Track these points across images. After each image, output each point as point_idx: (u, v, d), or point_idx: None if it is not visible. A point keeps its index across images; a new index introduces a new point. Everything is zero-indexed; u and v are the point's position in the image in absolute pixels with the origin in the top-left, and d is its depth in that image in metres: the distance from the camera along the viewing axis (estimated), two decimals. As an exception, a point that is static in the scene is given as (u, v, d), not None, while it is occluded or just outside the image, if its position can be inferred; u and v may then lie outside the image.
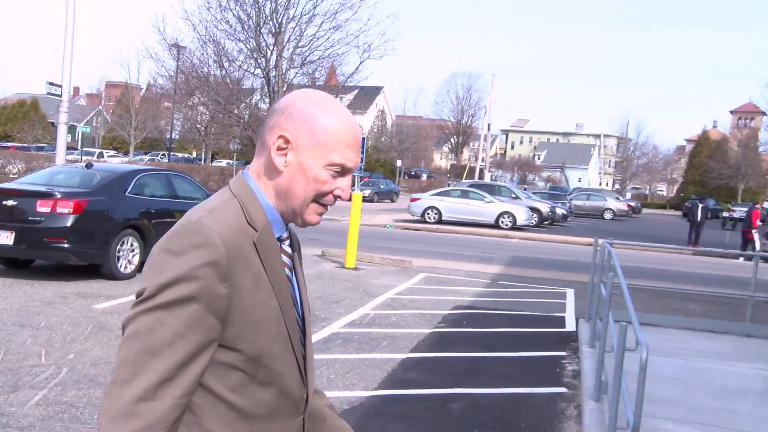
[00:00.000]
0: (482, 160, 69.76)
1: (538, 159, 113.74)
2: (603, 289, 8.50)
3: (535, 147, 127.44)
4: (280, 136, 1.78)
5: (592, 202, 55.80)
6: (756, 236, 28.22)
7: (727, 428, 6.94)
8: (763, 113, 54.61)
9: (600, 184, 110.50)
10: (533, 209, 36.08)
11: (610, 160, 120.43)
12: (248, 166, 1.91)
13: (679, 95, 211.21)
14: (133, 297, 1.70)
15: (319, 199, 1.82)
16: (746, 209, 40.28)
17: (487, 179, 62.43)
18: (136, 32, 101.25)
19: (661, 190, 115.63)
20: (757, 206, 33.74)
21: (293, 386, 1.84)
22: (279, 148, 1.78)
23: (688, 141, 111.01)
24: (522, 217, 33.16)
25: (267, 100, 18.77)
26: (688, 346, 10.02)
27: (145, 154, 68.31)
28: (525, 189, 53.87)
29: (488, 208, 33.19)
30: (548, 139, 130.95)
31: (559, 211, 41.12)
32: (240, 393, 1.72)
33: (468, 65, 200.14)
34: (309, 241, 21.01)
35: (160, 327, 1.60)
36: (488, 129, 70.90)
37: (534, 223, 35.39)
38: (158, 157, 61.72)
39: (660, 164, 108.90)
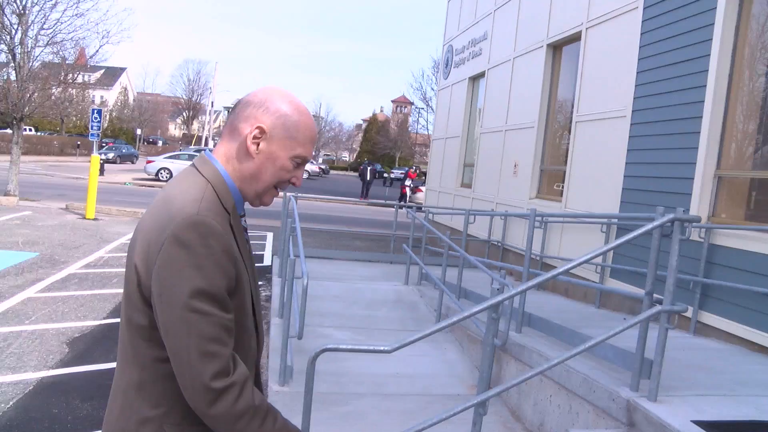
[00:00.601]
0: (208, 131, 68.23)
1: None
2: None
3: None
4: (258, 127, 1.63)
5: (293, 165, 56.49)
6: (408, 191, 30.23)
7: (370, 328, 7.48)
8: (411, 103, 59.30)
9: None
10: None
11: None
12: (212, 148, 1.74)
13: (358, 86, 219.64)
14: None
15: (278, 185, 1.71)
16: (403, 172, 42.85)
17: (210, 146, 60.89)
18: None
19: (345, 157, 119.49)
20: (410, 170, 36.25)
21: (253, 343, 1.72)
22: (255, 137, 1.63)
23: (364, 120, 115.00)
24: (236, 176, 32.96)
25: (14, 73, 16.95)
26: (352, 273, 10.53)
27: None
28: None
29: (210, 169, 32.47)
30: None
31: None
32: None
33: (197, 54, 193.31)
34: (56, 196, 19.45)
35: (203, 316, 1.46)
36: (212, 106, 69.24)
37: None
38: None
39: (344, 137, 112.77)
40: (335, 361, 5.95)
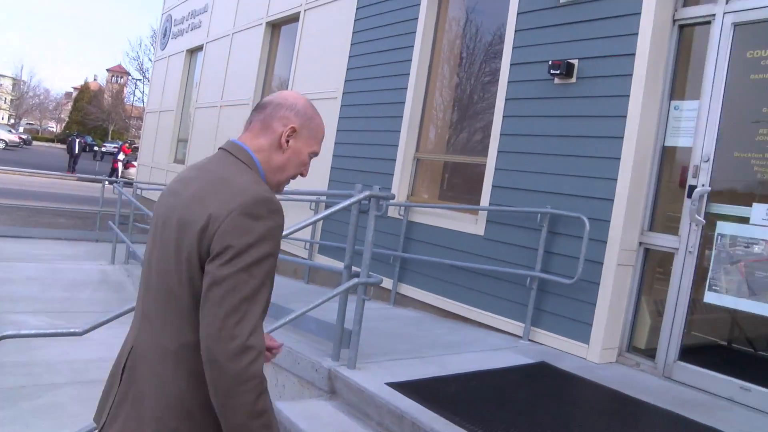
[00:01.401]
0: None
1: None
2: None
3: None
4: (291, 127, 1.84)
5: (-15, 134, 50.09)
6: (120, 166, 28.54)
7: (71, 311, 6.91)
8: (128, 74, 56.25)
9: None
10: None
11: (6, 98, 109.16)
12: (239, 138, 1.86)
13: (70, 51, 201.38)
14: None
15: (294, 175, 1.91)
16: (116, 146, 40.31)
17: None
18: None
19: (52, 127, 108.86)
20: (124, 144, 34.23)
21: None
22: (287, 135, 1.84)
23: (75, 89, 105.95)
24: None
25: None
26: (52, 252, 9.65)
27: None
28: None
29: None
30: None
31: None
32: None
33: None
34: None
35: (252, 279, 1.60)
36: None
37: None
38: None
39: (51, 105, 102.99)
40: (27, 351, 5.40)
